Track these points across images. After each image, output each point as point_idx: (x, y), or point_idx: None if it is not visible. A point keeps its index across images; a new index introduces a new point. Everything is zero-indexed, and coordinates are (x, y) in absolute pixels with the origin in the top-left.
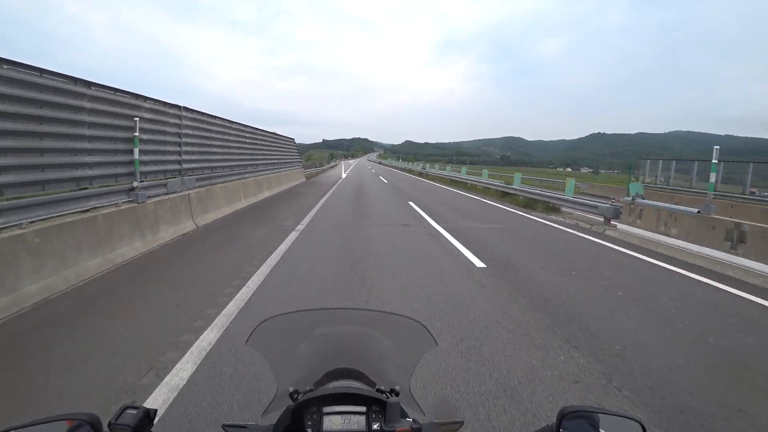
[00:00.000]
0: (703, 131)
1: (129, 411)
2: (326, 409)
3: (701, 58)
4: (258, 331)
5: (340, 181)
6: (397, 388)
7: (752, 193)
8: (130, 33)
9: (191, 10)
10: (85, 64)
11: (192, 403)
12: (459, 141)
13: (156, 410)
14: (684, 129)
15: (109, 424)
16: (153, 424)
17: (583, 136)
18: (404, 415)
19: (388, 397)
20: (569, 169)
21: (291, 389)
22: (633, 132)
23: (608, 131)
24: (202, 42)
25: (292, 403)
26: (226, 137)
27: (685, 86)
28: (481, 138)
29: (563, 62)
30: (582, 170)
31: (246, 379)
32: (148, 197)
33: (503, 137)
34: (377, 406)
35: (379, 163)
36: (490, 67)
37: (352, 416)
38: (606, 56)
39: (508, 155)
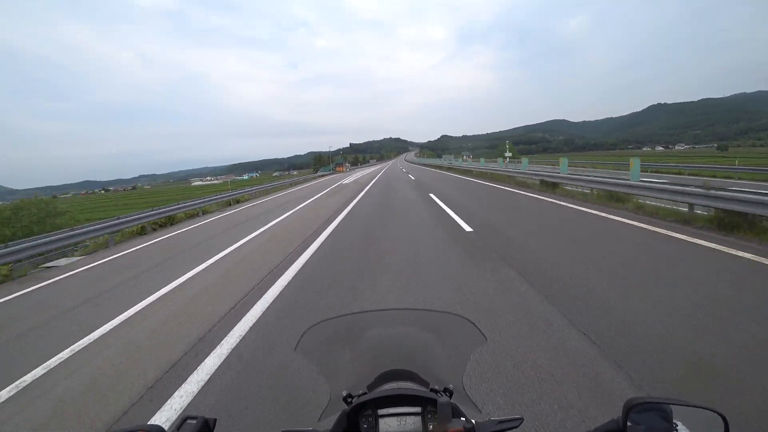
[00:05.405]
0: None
1: (189, 421)
2: (381, 412)
3: (736, 16)
4: (305, 338)
5: None
6: (450, 386)
7: None
8: (155, 65)
9: (207, 35)
10: (121, 99)
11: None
12: (499, 130)
13: (215, 419)
14: (750, 90)
15: None
16: None
17: (640, 110)
18: (460, 414)
19: (440, 396)
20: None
21: (344, 393)
22: (696, 99)
23: (669, 101)
24: (222, 63)
25: (346, 407)
26: None
27: (728, 45)
28: (522, 125)
29: (593, 38)
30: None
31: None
32: None
33: (546, 121)
34: (432, 406)
35: (423, 165)
36: (515, 52)
37: (408, 417)
38: (636, 26)
39: (571, 140)
